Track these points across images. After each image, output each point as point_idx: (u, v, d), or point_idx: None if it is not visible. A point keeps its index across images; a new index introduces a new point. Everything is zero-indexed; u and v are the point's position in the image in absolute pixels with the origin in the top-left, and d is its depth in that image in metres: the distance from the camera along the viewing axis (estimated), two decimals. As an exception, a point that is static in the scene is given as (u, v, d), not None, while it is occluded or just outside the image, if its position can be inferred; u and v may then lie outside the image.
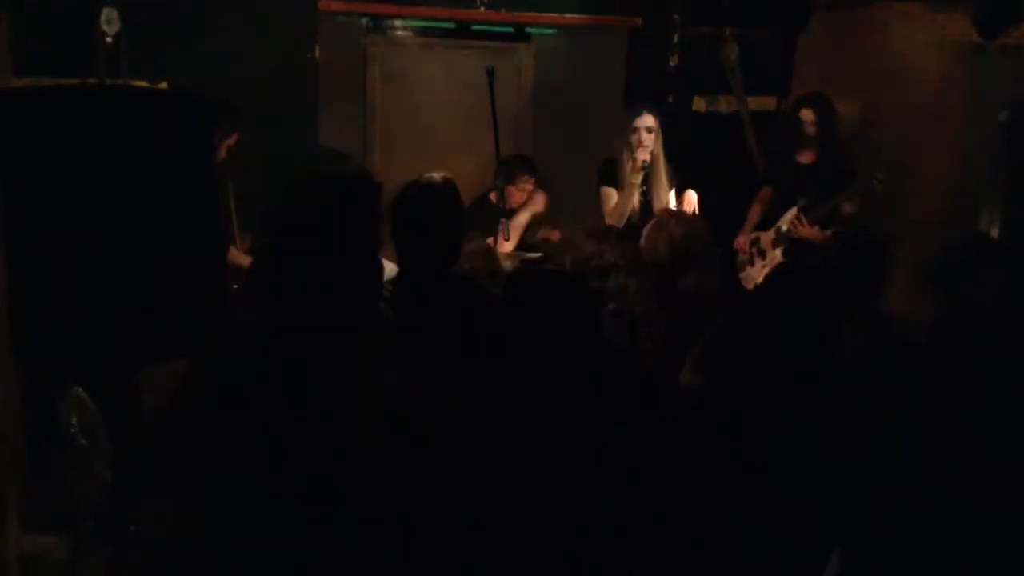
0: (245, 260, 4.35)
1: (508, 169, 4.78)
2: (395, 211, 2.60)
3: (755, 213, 5.12)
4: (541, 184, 5.05)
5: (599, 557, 2.04)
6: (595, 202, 4.63)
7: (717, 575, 2.17)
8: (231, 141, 4.40)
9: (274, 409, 1.79)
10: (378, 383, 1.88)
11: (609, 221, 4.45)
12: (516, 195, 4.93)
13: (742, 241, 5.05)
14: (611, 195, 4.48)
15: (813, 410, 2.27)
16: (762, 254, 4.96)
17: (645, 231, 3.41)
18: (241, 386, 1.82)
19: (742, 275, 5.05)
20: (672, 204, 4.51)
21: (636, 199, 4.40)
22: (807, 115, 4.83)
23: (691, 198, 4.43)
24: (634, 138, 4.37)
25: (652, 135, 4.37)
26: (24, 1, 4.36)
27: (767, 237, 4.95)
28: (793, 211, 4.77)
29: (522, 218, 4.82)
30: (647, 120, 4.37)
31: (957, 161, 5.17)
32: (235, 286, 4.27)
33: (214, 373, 1.89)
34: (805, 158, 4.87)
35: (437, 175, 2.76)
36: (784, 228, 4.81)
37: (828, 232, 4.71)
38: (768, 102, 5.88)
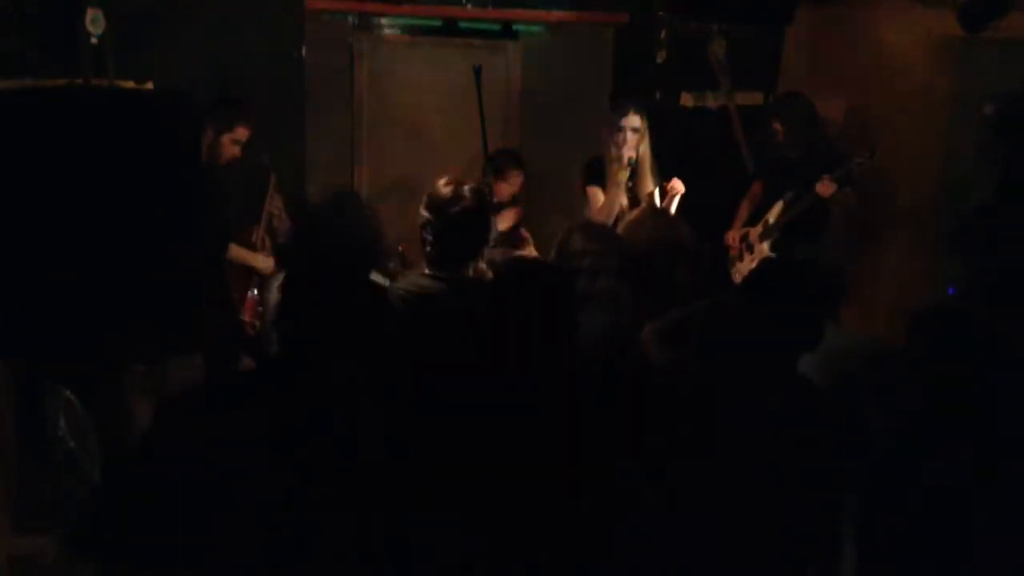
0: (251, 257, 4.38)
1: (497, 164, 4.79)
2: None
3: (745, 209, 5.14)
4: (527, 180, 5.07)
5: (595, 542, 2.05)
6: (583, 199, 4.64)
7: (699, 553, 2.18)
8: (238, 136, 4.31)
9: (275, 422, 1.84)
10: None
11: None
12: (505, 190, 4.93)
13: (732, 236, 5.07)
14: (597, 195, 4.48)
15: (788, 401, 2.28)
16: (750, 248, 4.99)
17: (620, 227, 3.41)
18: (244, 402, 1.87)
19: (732, 270, 5.07)
20: (657, 201, 4.51)
21: (624, 198, 4.40)
22: (776, 126, 4.87)
23: (677, 185, 4.42)
24: (619, 137, 4.37)
25: (638, 135, 4.38)
26: (8, 1, 4.35)
27: (755, 231, 4.97)
28: (780, 205, 4.78)
29: (505, 224, 4.85)
30: (633, 120, 4.37)
31: (944, 154, 5.19)
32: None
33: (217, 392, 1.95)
34: (791, 153, 4.89)
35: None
36: (771, 221, 4.83)
37: None
38: (756, 97, 5.89)
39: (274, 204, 4.59)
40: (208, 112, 4.19)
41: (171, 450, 1.85)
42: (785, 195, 4.76)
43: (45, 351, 2.26)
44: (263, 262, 4.45)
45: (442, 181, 2.98)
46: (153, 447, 1.90)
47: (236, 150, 4.32)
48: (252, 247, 4.45)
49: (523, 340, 2.15)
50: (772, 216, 4.82)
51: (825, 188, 4.59)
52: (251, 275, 4.45)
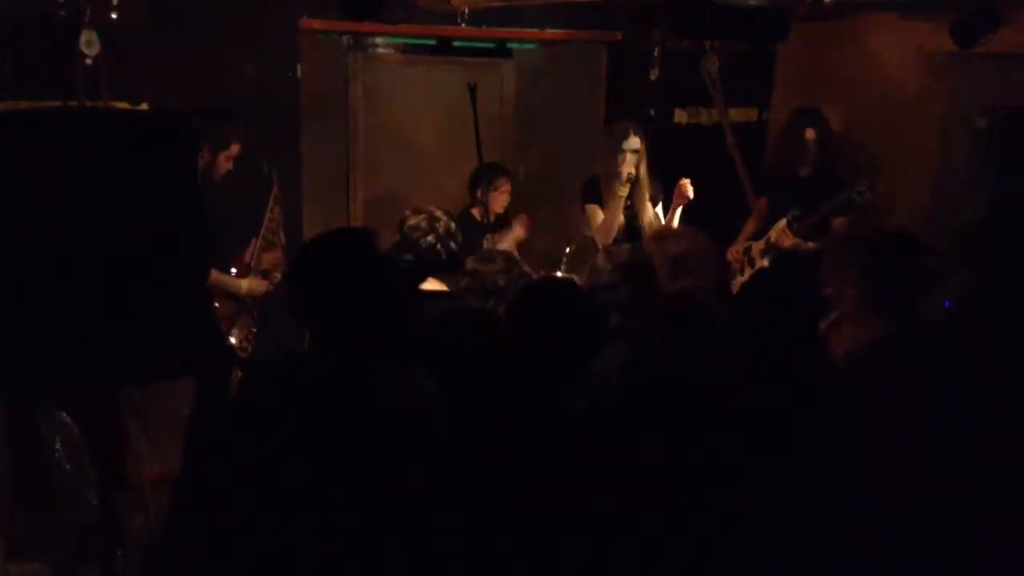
0: (231, 283, 4.33)
1: (487, 176, 4.79)
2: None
3: (751, 224, 5.15)
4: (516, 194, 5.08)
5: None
6: (578, 216, 4.65)
7: None
8: (232, 152, 4.26)
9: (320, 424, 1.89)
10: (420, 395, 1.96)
11: (598, 238, 4.47)
12: (499, 200, 4.93)
13: (735, 251, 5.09)
14: (596, 212, 4.50)
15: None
16: (752, 263, 5.01)
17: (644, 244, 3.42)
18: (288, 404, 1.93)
19: (733, 283, 5.08)
20: (661, 219, 4.52)
21: (622, 215, 4.42)
22: (811, 135, 4.90)
23: (686, 188, 4.42)
24: (620, 157, 4.39)
25: (637, 155, 4.41)
26: (1, 23, 4.35)
27: (758, 247, 5.00)
28: (782, 222, 4.80)
29: (507, 245, 4.84)
30: (633, 143, 4.39)
31: (937, 168, 5.21)
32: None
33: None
34: (802, 171, 4.93)
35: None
36: (772, 239, 4.85)
37: (811, 244, 4.74)
38: (749, 113, 5.91)
39: (274, 215, 4.54)
40: (204, 132, 4.13)
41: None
42: (789, 213, 4.77)
43: (39, 375, 2.25)
44: (247, 285, 4.36)
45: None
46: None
47: (230, 165, 4.29)
48: (245, 266, 4.42)
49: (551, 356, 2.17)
50: (774, 234, 4.83)
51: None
52: (238, 299, 4.38)
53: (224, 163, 4.26)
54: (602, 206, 4.47)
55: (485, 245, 4.38)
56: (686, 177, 4.40)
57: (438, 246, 2.94)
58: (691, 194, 4.38)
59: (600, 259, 2.99)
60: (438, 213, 3.00)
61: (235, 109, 4.37)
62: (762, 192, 5.25)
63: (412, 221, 3.06)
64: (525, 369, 2.19)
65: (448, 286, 2.99)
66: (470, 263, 3.03)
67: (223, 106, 4.29)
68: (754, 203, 5.27)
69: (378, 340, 2.02)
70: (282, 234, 4.59)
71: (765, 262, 4.87)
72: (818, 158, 4.91)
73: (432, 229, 3.03)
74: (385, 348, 2.02)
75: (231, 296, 4.32)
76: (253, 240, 4.45)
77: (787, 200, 4.88)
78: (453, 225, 3.01)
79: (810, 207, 4.72)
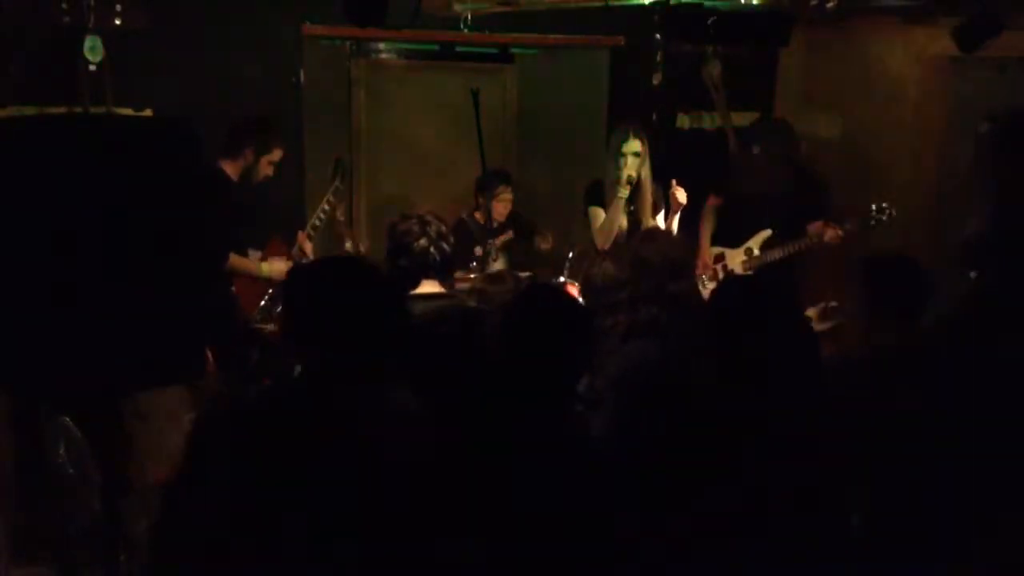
0: (250, 265, 4.39)
1: (488, 184, 4.81)
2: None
3: (706, 228, 5.01)
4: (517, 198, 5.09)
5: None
6: (581, 220, 4.65)
7: None
8: (274, 157, 4.40)
9: (296, 445, 1.91)
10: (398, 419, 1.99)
11: (598, 240, 4.47)
12: (500, 208, 4.95)
13: (705, 259, 5.01)
14: (599, 215, 4.51)
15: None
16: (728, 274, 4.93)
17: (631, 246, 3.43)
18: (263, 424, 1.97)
19: (704, 291, 5.00)
20: (661, 224, 4.52)
21: (624, 219, 4.42)
22: (755, 150, 4.85)
23: (679, 195, 4.43)
24: (621, 161, 4.40)
25: (639, 159, 4.41)
26: (6, 30, 4.38)
27: (737, 257, 4.94)
28: (763, 234, 4.76)
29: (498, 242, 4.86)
30: (634, 145, 4.40)
31: (939, 173, 5.21)
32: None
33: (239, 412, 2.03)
34: (761, 186, 4.82)
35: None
36: (756, 251, 4.80)
37: (777, 253, 4.71)
38: (752, 117, 5.91)
39: (331, 203, 4.68)
40: (250, 137, 4.30)
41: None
42: (763, 220, 4.74)
43: (43, 380, 2.26)
44: (268, 268, 4.44)
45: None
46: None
47: (271, 171, 4.41)
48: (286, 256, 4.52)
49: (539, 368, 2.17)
50: (755, 245, 4.80)
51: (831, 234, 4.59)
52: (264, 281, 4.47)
53: (265, 167, 4.39)
54: (605, 208, 4.47)
55: (487, 249, 4.41)
56: (683, 181, 4.40)
57: (431, 249, 3.00)
58: (683, 199, 4.39)
59: (607, 264, 3.00)
60: (428, 217, 3.05)
61: (237, 113, 4.40)
62: (719, 194, 5.06)
63: (403, 226, 3.12)
64: (518, 377, 2.18)
65: (443, 287, 3.01)
66: (479, 283, 3.07)
67: (266, 118, 4.42)
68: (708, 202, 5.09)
69: (364, 358, 2.02)
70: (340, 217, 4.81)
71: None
72: (778, 170, 4.75)
73: (424, 233, 3.08)
74: (371, 366, 2.03)
75: (255, 279, 4.42)
76: (300, 232, 4.58)
77: (761, 208, 4.80)
78: (444, 227, 3.05)
79: (784, 215, 4.69)
